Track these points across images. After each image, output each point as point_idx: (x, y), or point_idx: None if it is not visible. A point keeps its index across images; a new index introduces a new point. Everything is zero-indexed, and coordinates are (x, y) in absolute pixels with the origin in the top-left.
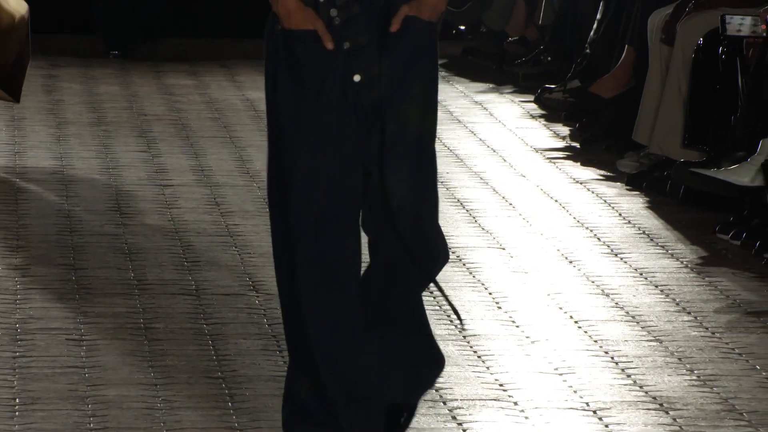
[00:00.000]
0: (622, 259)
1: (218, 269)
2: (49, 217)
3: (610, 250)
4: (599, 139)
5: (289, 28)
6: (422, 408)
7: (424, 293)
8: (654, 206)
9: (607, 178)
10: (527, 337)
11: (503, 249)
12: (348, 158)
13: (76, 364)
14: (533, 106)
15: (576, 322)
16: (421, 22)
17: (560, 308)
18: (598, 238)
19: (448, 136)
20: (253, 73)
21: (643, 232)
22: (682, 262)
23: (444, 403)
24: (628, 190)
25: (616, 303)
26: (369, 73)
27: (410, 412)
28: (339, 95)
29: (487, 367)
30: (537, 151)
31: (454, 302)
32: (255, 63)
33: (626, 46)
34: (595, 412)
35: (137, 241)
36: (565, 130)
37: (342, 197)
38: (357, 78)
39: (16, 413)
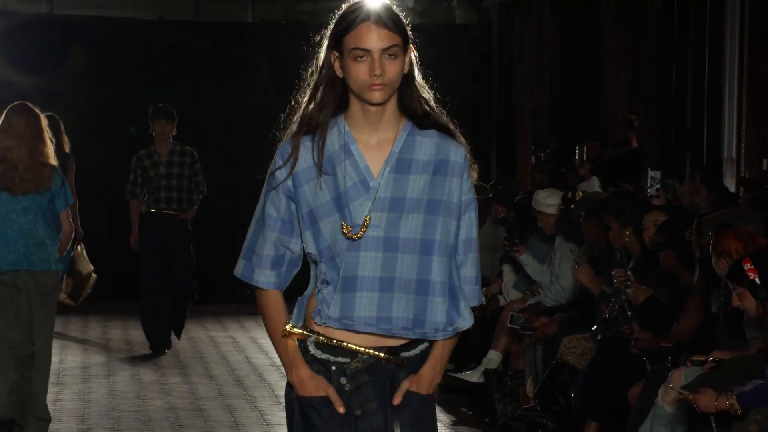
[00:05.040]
0: None
1: None
2: None
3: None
4: None
5: (303, 395)
6: None
7: None
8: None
9: None
10: None
11: None
12: None
13: None
14: None
15: None
16: (420, 396)
17: None
18: None
19: None
20: (215, 323)
21: None
22: (443, 423)
23: None
24: None
25: None
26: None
27: None
28: None
29: None
30: None
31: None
32: (216, 323)
33: None
34: None
35: None
36: None
37: None
38: None
39: None
